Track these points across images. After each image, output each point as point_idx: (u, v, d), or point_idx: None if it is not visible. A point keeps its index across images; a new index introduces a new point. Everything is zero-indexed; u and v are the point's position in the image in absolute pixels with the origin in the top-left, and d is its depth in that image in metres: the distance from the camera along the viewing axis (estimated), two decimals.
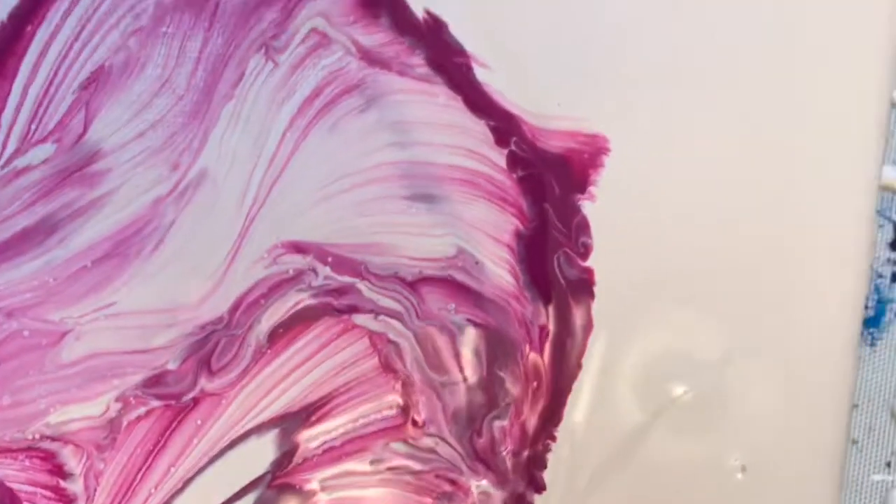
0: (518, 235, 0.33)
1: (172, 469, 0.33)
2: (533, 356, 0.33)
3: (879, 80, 0.34)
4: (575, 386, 0.32)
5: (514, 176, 0.33)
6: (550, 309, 0.33)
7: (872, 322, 0.34)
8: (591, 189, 0.33)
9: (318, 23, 0.33)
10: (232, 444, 0.32)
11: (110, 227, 0.32)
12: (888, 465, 0.34)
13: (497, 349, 0.33)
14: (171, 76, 0.33)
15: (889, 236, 0.35)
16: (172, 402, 0.32)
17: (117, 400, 0.32)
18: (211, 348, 0.32)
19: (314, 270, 0.33)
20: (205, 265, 0.32)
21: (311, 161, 0.33)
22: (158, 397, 0.32)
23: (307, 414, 0.33)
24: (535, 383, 0.33)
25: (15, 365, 0.32)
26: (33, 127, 0.33)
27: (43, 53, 0.33)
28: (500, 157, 0.33)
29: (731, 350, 0.33)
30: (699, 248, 0.33)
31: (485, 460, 0.33)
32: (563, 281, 0.33)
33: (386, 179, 0.33)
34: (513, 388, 0.33)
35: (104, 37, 0.33)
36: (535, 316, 0.33)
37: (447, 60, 0.33)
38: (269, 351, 0.32)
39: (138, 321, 0.32)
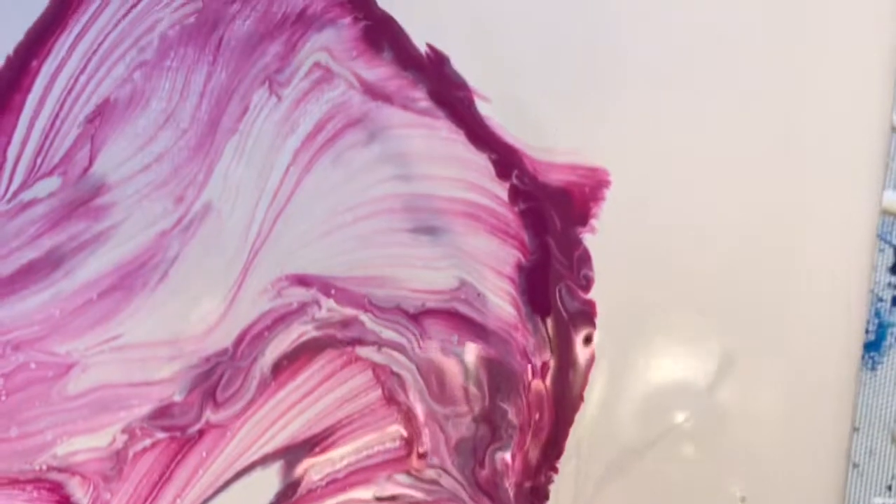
0: (520, 268, 0.34)
1: (178, 500, 0.34)
2: (535, 388, 0.34)
3: (880, 104, 0.35)
4: (577, 417, 0.34)
5: (516, 209, 0.34)
6: (552, 341, 0.34)
7: (873, 346, 0.36)
8: (593, 222, 0.34)
9: (321, 57, 0.34)
10: (237, 476, 0.34)
11: (115, 259, 0.34)
12: (889, 488, 0.36)
13: (499, 381, 0.34)
14: (176, 110, 0.34)
15: (889, 260, 0.36)
16: (178, 434, 0.33)
17: (123, 431, 0.33)
18: (216, 380, 0.34)
19: (318, 303, 0.34)
20: (209, 298, 0.34)
21: (315, 194, 0.34)
22: (164, 429, 0.33)
23: (311, 445, 0.34)
24: (537, 415, 0.34)
25: (22, 397, 0.33)
26: (39, 160, 0.34)
27: (48, 87, 0.35)
28: (501, 190, 0.34)
29: (732, 375, 0.34)
30: (699, 277, 0.34)
31: (487, 492, 0.34)
32: (564, 313, 0.34)
33: (389, 212, 0.34)
34: (515, 419, 0.34)
35: (109, 70, 0.35)
36: (536, 348, 0.34)
37: (449, 94, 0.34)
38: (273, 383, 0.34)
39: (144, 353, 0.34)
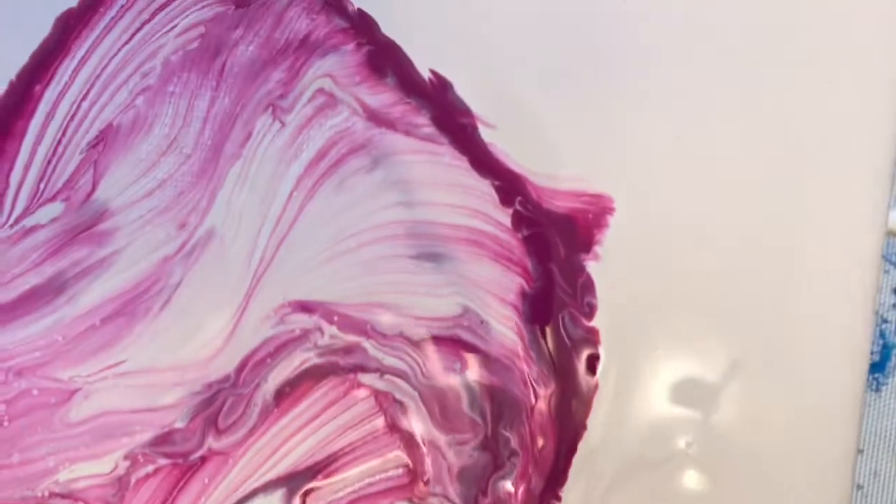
0: (523, 295, 0.35)
1: None
2: (538, 416, 0.35)
3: (887, 123, 0.36)
4: (580, 446, 0.34)
5: (520, 235, 0.35)
6: (555, 369, 0.35)
7: (878, 367, 0.36)
8: (596, 249, 0.35)
9: (325, 83, 0.35)
10: (239, 503, 0.35)
11: (118, 285, 0.35)
12: None
13: (502, 408, 0.35)
14: (179, 135, 0.35)
15: (895, 281, 0.36)
16: (180, 461, 0.34)
17: (125, 458, 0.34)
18: (218, 407, 0.34)
19: (320, 330, 0.35)
20: (212, 324, 0.35)
21: (318, 220, 0.35)
22: (166, 455, 0.34)
23: (314, 472, 0.35)
24: (540, 443, 0.35)
25: (24, 423, 0.34)
26: (42, 186, 0.35)
27: (51, 113, 0.35)
28: (505, 216, 0.35)
29: (736, 399, 0.35)
30: (704, 305, 0.35)
31: None
32: (568, 340, 0.35)
33: (392, 239, 0.35)
34: (518, 447, 0.35)
35: (112, 96, 0.35)
36: (540, 375, 0.35)
37: (452, 120, 0.35)
38: (275, 410, 0.34)
39: (146, 380, 0.34)
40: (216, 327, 0.35)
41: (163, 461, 0.34)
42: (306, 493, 0.34)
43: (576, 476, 0.35)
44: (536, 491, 0.35)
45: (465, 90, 0.35)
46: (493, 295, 0.35)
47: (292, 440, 0.35)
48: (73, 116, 0.35)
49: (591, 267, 0.35)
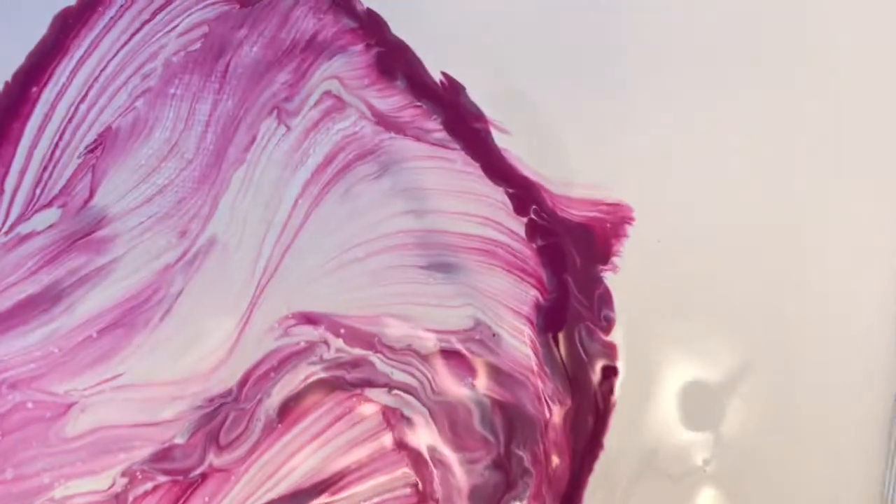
0: (538, 307, 0.35)
1: None
2: (552, 434, 0.34)
3: None
4: (596, 465, 0.34)
5: (534, 245, 0.35)
6: (571, 385, 0.34)
7: None
8: (615, 259, 0.34)
9: (333, 85, 0.35)
10: None
11: (117, 295, 0.34)
12: None
13: (515, 426, 0.34)
14: (180, 139, 0.35)
15: None
16: (180, 478, 0.34)
17: (123, 474, 0.34)
18: (220, 422, 0.34)
19: (326, 343, 0.34)
20: (214, 336, 0.34)
21: (324, 228, 0.35)
22: (166, 472, 0.34)
23: (319, 491, 0.34)
24: (554, 462, 0.34)
25: (18, 438, 0.34)
26: (38, 191, 0.35)
27: (48, 115, 0.35)
28: (519, 225, 0.35)
29: (757, 418, 0.35)
30: (726, 319, 0.35)
31: None
32: (584, 355, 0.34)
33: (401, 248, 0.35)
34: (531, 466, 0.34)
35: (111, 98, 0.35)
36: (555, 392, 0.34)
37: (465, 125, 0.35)
38: (279, 425, 0.34)
39: (145, 393, 0.34)
40: (218, 339, 0.34)
41: (162, 478, 0.34)
42: None
43: (591, 496, 0.34)
44: None
45: (478, 93, 0.35)
46: (506, 307, 0.35)
47: (296, 457, 0.34)
48: (70, 119, 0.35)
49: (609, 279, 0.35)
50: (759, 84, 0.35)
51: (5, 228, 0.35)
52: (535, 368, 0.34)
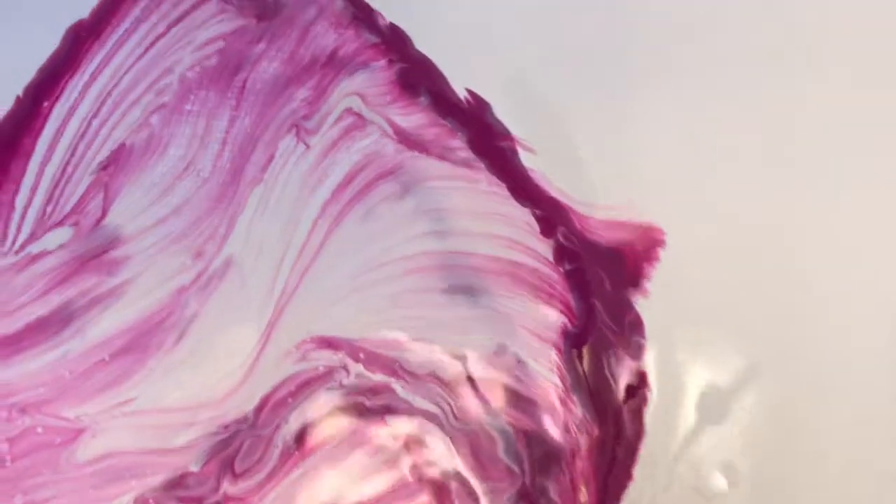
0: (565, 333, 0.34)
1: None
2: (580, 464, 0.34)
3: None
4: (625, 496, 0.34)
5: (561, 269, 0.35)
6: (599, 413, 0.34)
7: None
8: (645, 284, 0.34)
9: (353, 102, 0.35)
10: None
11: (129, 317, 0.34)
12: None
13: (541, 455, 0.34)
14: (196, 157, 0.35)
15: None
16: None
17: (135, 502, 0.34)
18: (235, 449, 0.34)
19: (346, 368, 0.34)
20: (229, 360, 0.34)
21: (344, 250, 0.35)
22: (179, 500, 0.34)
23: None
24: (581, 494, 0.34)
25: (28, 463, 0.34)
26: (49, 209, 0.35)
27: (60, 131, 0.35)
28: (546, 248, 0.35)
29: (790, 439, 0.34)
30: (761, 346, 0.34)
31: None
32: (613, 383, 0.34)
33: (423, 271, 0.35)
34: (558, 498, 0.34)
35: (125, 114, 0.35)
36: (582, 421, 0.34)
37: (490, 144, 0.35)
38: (296, 453, 0.34)
39: (158, 419, 0.34)
40: (234, 363, 0.34)
41: None
42: None
43: None
44: None
45: (505, 111, 0.35)
46: (532, 333, 0.34)
47: (315, 486, 0.34)
48: (83, 135, 0.35)
49: (640, 304, 0.34)
50: (801, 107, 0.35)
51: (15, 248, 0.35)
52: (562, 396, 0.34)
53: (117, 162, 0.35)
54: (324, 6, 0.36)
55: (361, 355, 0.34)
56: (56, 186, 0.35)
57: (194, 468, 0.34)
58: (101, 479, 0.34)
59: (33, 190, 0.35)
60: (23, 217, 0.35)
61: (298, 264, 0.35)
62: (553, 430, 0.34)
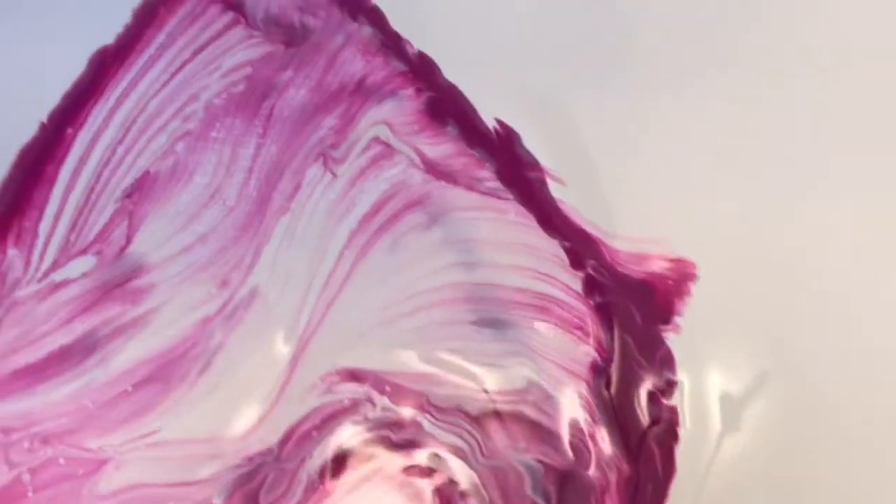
0: (595, 368, 0.35)
1: None
2: (609, 501, 0.34)
3: None
4: None
5: (591, 302, 0.35)
6: (630, 451, 0.34)
7: None
8: (677, 319, 0.35)
9: (381, 131, 0.35)
10: None
11: (153, 347, 0.35)
12: None
13: (570, 494, 0.34)
14: (222, 186, 0.35)
15: None
16: None
17: None
18: (259, 482, 0.34)
19: (371, 401, 0.35)
20: (254, 392, 0.35)
21: (371, 281, 0.35)
22: None
23: None
24: None
25: (49, 495, 0.34)
26: (73, 238, 0.36)
27: (84, 158, 0.36)
28: (575, 281, 0.35)
29: (829, 479, 0.35)
30: (795, 382, 0.35)
31: None
32: (643, 420, 0.34)
33: (450, 303, 0.35)
34: None
35: (150, 141, 0.36)
36: (611, 457, 0.34)
37: (519, 174, 0.35)
38: (321, 486, 0.35)
39: (182, 451, 0.35)
40: (258, 395, 0.35)
41: None
42: None
43: None
44: None
45: (534, 141, 0.35)
46: (561, 367, 0.35)
47: None
48: (107, 162, 0.36)
49: (672, 340, 0.35)
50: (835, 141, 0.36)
51: (38, 276, 0.35)
52: (592, 432, 0.35)
53: (142, 189, 0.36)
54: (352, 33, 0.37)
55: (387, 388, 0.35)
56: (80, 214, 0.36)
57: (217, 501, 0.35)
58: None
59: (57, 217, 0.36)
60: (46, 244, 0.36)
61: (324, 295, 0.35)
62: (583, 468, 0.35)
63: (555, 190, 0.35)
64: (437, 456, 0.35)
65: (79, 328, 0.35)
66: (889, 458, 0.34)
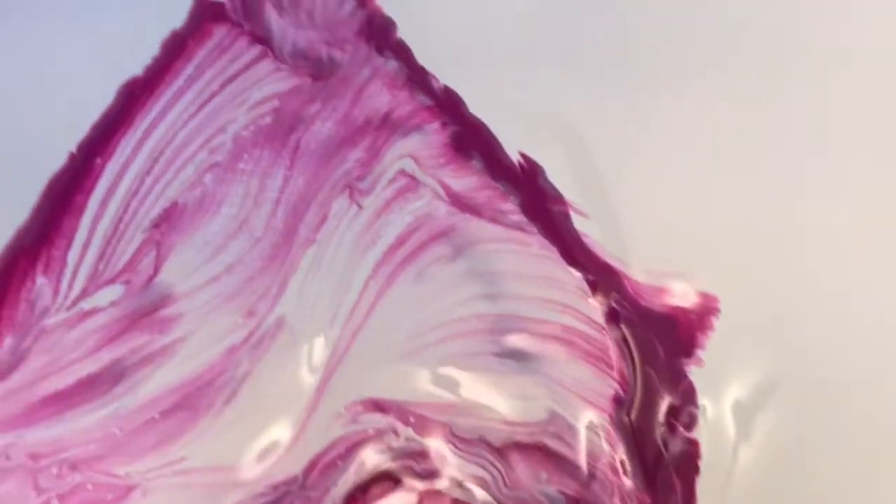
0: (617, 401, 0.36)
1: None
2: None
3: None
4: None
5: (614, 335, 0.36)
6: (651, 483, 0.35)
7: None
8: (699, 353, 0.36)
9: (407, 164, 0.37)
10: None
11: (181, 376, 0.36)
12: None
13: None
14: (249, 217, 0.37)
15: None
16: None
17: None
18: None
19: (395, 431, 0.36)
20: (279, 420, 0.36)
21: (395, 312, 0.36)
22: None
23: None
24: None
25: None
26: (101, 267, 0.37)
27: (112, 188, 0.37)
28: (598, 313, 0.36)
29: None
30: (817, 414, 0.36)
31: None
32: (666, 453, 0.35)
33: (474, 334, 0.36)
34: None
35: (178, 172, 0.37)
36: (633, 490, 0.35)
37: (543, 207, 0.36)
38: None
39: (208, 479, 0.36)
40: (284, 424, 0.36)
41: None
42: None
43: None
44: None
45: (558, 175, 0.36)
46: (583, 400, 0.36)
47: None
48: (135, 193, 0.37)
49: (694, 373, 0.36)
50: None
51: (67, 304, 0.37)
52: (613, 464, 0.36)
53: (170, 220, 0.37)
54: (378, 67, 0.38)
55: (411, 419, 0.36)
56: (108, 243, 0.37)
57: None
58: None
59: (85, 246, 0.37)
60: (75, 273, 0.37)
61: (349, 325, 0.36)
62: (604, 499, 0.36)
63: (579, 223, 0.37)
64: (460, 486, 0.36)
65: (107, 356, 0.37)
66: None
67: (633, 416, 0.36)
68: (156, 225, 0.37)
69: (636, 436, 0.36)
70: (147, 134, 0.38)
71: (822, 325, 0.36)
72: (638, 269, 0.36)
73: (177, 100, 0.38)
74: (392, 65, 0.38)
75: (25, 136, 0.38)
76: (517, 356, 0.37)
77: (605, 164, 0.37)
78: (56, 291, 0.37)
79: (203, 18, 0.39)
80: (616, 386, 0.36)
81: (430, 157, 0.37)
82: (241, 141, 0.38)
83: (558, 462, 0.36)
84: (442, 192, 0.37)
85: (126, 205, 0.37)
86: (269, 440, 0.36)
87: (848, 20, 0.39)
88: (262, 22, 0.39)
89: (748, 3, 0.39)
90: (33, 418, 0.36)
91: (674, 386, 0.36)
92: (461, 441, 0.36)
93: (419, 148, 0.37)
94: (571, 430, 0.36)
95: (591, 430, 0.36)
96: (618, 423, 0.36)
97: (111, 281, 0.37)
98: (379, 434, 0.36)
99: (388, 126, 0.38)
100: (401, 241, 0.37)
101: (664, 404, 0.36)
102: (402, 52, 0.38)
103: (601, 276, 0.36)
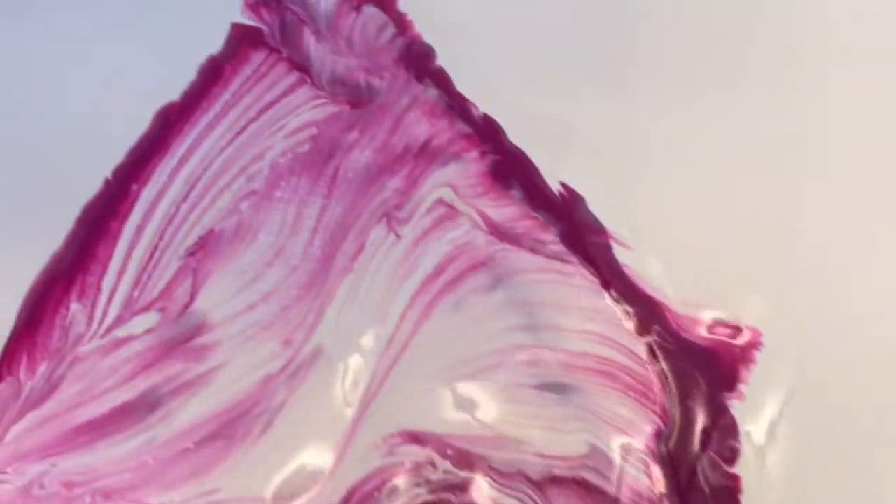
0: (658, 435, 0.36)
1: None
2: None
3: None
4: None
5: (655, 368, 0.36)
6: None
7: None
8: (741, 387, 0.36)
9: (445, 193, 0.37)
10: None
11: (216, 405, 0.37)
12: None
13: None
14: (286, 245, 0.37)
15: None
16: None
17: None
18: None
19: (432, 463, 0.37)
20: (316, 452, 0.37)
21: (433, 343, 0.37)
22: None
23: None
24: None
25: None
26: (136, 294, 0.38)
27: (148, 215, 0.38)
28: (639, 346, 0.37)
29: None
30: (859, 452, 0.36)
31: None
32: (706, 488, 0.36)
33: (512, 366, 0.37)
34: None
35: (214, 199, 0.38)
36: None
37: (583, 238, 0.37)
38: None
39: None
40: (320, 456, 0.37)
41: None
42: None
43: None
44: None
45: (599, 206, 0.37)
46: (624, 433, 0.37)
47: None
48: (171, 220, 0.38)
49: (736, 407, 0.36)
50: None
51: (101, 331, 0.38)
52: (654, 499, 0.36)
53: (206, 248, 0.38)
54: (417, 95, 0.39)
55: (449, 451, 0.37)
56: (143, 271, 0.38)
57: None
58: None
59: (120, 273, 0.38)
60: (109, 300, 0.38)
61: (387, 355, 0.37)
62: None
63: (620, 255, 0.37)
64: None
65: (141, 385, 0.37)
66: None
67: (673, 449, 0.37)
68: (192, 252, 0.38)
69: (676, 470, 0.37)
70: (183, 160, 0.38)
71: (863, 354, 0.37)
72: (681, 301, 0.37)
73: (213, 126, 0.39)
74: (431, 93, 0.39)
75: (61, 161, 0.39)
76: (556, 388, 0.37)
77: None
78: (90, 318, 0.38)
79: (241, 44, 0.40)
80: (657, 420, 0.37)
81: (468, 187, 0.38)
82: (279, 168, 0.38)
83: (597, 496, 0.37)
84: (481, 221, 0.38)
85: (162, 232, 0.38)
86: (305, 471, 0.37)
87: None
88: (301, 48, 0.40)
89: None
90: (66, 447, 0.37)
91: (715, 420, 0.37)
92: (499, 474, 0.37)
93: (458, 177, 0.38)
94: (611, 464, 0.37)
95: (630, 464, 0.37)
96: (658, 458, 0.37)
97: (146, 308, 0.38)
98: (416, 466, 0.37)
99: (426, 154, 0.38)
100: (439, 271, 0.38)
101: (706, 439, 0.37)
102: (442, 80, 0.39)
103: (642, 309, 0.37)
